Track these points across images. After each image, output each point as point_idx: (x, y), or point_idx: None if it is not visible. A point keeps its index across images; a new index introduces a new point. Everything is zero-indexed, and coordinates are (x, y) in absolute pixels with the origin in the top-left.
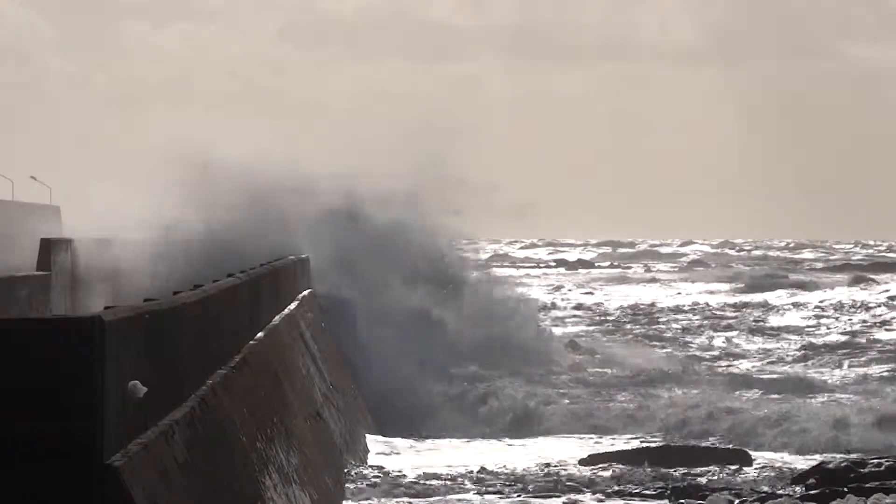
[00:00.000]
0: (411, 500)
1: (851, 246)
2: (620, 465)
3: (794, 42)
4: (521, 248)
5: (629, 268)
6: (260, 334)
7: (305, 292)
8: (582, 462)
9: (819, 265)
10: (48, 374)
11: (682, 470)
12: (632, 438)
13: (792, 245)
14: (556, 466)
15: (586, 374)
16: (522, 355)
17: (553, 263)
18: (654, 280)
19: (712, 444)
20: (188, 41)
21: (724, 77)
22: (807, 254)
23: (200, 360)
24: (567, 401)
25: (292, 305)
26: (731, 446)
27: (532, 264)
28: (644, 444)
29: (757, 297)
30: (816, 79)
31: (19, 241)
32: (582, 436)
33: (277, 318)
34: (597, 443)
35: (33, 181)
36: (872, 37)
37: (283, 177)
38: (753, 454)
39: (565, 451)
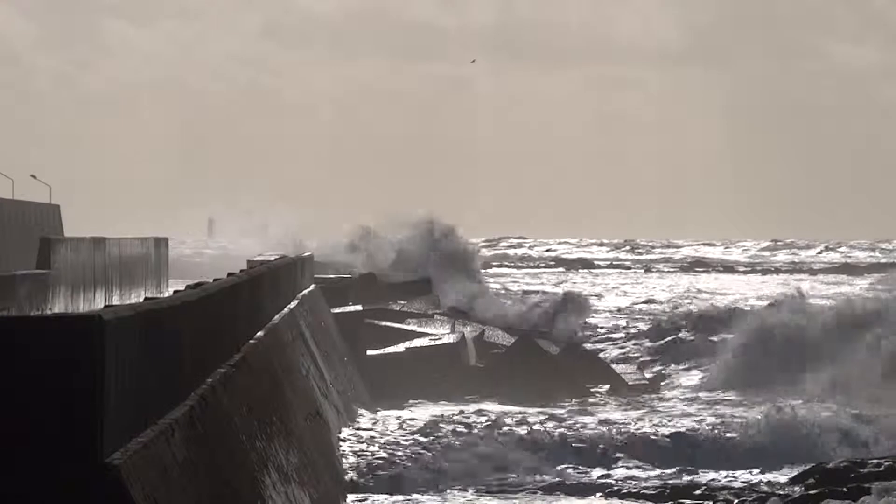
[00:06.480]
0: (410, 496)
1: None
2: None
3: (779, 42)
4: (509, 246)
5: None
6: (260, 333)
7: (307, 290)
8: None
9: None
10: (48, 372)
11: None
12: None
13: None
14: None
15: None
16: None
17: (552, 262)
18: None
19: None
20: (172, 40)
21: (709, 77)
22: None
23: (200, 359)
24: None
25: (293, 304)
26: None
27: (532, 264)
28: None
29: None
30: (801, 79)
31: (19, 239)
32: None
33: (277, 316)
34: None
35: (33, 179)
36: (857, 37)
37: None
38: None
39: None
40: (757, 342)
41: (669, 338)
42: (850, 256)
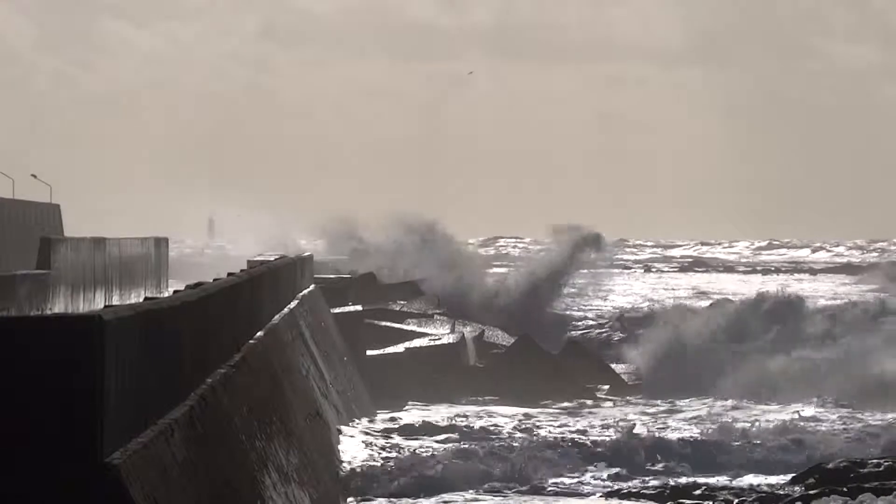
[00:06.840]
0: (411, 499)
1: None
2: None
3: (779, 42)
4: (505, 246)
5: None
6: (260, 333)
7: (306, 290)
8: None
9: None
10: (48, 372)
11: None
12: None
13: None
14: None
15: None
16: None
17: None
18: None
19: None
20: (172, 40)
21: (709, 77)
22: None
23: (200, 359)
24: None
25: (293, 304)
26: None
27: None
28: None
29: None
30: (801, 79)
31: (19, 239)
32: None
33: (277, 316)
34: None
35: (33, 179)
36: (857, 37)
37: None
38: None
39: None
40: (675, 345)
41: (669, 337)
42: (848, 256)
